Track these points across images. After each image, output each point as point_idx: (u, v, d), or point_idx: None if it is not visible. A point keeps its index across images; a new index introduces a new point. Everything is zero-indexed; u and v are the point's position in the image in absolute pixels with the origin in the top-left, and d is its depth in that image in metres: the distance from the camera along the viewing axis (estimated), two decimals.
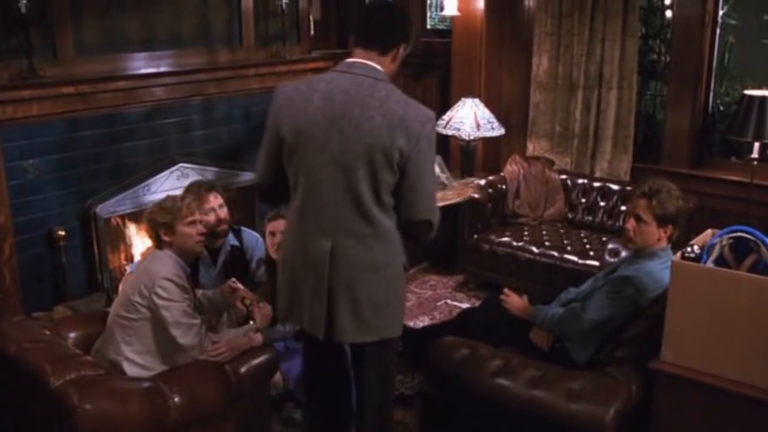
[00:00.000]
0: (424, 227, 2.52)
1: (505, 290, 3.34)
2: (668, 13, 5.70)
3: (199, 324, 2.93)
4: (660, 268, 2.97)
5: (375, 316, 2.52)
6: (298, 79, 2.58)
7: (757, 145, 4.42)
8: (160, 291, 2.87)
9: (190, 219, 3.04)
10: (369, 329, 2.54)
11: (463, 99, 5.48)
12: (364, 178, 2.39)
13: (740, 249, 2.53)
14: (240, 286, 3.29)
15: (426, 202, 2.49)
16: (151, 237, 3.08)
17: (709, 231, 2.73)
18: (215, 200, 3.69)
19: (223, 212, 3.74)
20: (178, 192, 3.85)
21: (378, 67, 2.47)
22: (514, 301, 3.29)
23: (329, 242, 2.45)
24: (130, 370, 2.91)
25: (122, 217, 4.36)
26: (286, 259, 2.59)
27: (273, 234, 3.55)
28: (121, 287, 3.05)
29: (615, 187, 5.11)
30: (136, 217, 4.36)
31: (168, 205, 3.02)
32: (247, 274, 3.83)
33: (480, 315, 3.53)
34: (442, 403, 2.96)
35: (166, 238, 2.99)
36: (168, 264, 2.96)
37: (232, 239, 3.87)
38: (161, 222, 2.98)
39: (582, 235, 5.02)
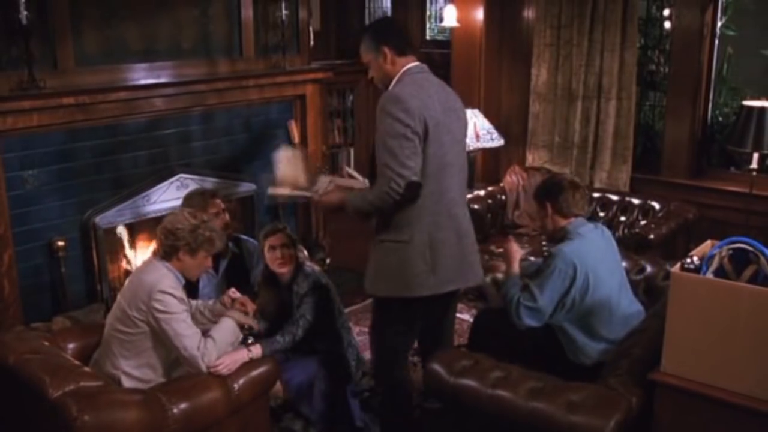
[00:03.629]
0: None
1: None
2: (667, 24, 5.73)
3: (199, 334, 2.92)
4: (577, 245, 3.15)
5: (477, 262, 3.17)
6: (403, 86, 2.93)
7: (756, 155, 4.43)
8: (157, 305, 2.84)
9: (211, 252, 3.06)
10: (479, 273, 3.19)
11: None
12: (464, 148, 3.14)
13: (740, 260, 2.53)
14: (239, 295, 3.28)
15: None
16: (165, 247, 2.98)
17: (708, 242, 2.73)
18: (219, 205, 3.75)
19: (227, 216, 3.79)
20: (178, 202, 3.86)
21: None
22: (513, 246, 3.39)
23: (461, 202, 3.08)
24: (128, 384, 2.90)
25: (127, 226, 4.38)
26: (438, 237, 2.95)
27: (274, 248, 3.55)
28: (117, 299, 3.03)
29: (614, 197, 5.11)
30: (136, 227, 4.39)
31: (205, 235, 2.98)
32: (247, 282, 3.84)
33: (494, 322, 3.52)
34: (442, 414, 2.95)
35: (182, 258, 2.96)
36: (164, 275, 2.92)
37: (232, 247, 3.88)
38: (189, 243, 2.94)
39: None
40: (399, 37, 3.00)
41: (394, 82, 2.95)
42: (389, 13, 7.49)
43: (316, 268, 3.73)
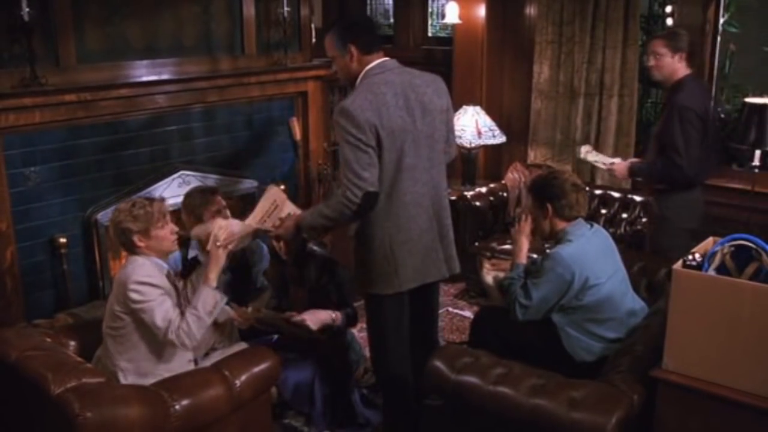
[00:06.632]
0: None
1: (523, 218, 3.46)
2: (669, 21, 5.71)
3: (175, 317, 2.89)
4: (575, 247, 3.14)
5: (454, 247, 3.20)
6: (355, 97, 2.90)
7: (758, 152, 4.42)
8: (133, 295, 2.85)
9: (163, 221, 3.01)
10: (456, 260, 3.21)
11: (464, 107, 5.49)
12: (438, 139, 3.05)
13: (742, 257, 2.53)
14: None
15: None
16: (123, 245, 3.01)
17: (710, 239, 2.73)
18: (220, 202, 3.74)
19: (228, 213, 3.79)
20: (180, 199, 3.86)
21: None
22: (526, 230, 3.38)
23: (429, 198, 3.04)
24: (127, 378, 2.91)
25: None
26: (397, 240, 2.99)
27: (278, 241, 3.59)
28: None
29: (616, 194, 5.10)
30: None
31: (140, 213, 2.95)
32: (249, 280, 3.84)
33: (494, 319, 3.53)
34: (443, 411, 2.95)
35: (141, 244, 2.95)
36: (139, 266, 2.92)
37: None
38: (136, 230, 2.93)
39: None
40: (367, 36, 2.99)
41: (358, 81, 2.96)
42: (391, 10, 7.49)
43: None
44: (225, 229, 3.01)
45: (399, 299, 3.11)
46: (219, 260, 2.97)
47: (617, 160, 4.32)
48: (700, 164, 3.89)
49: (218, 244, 2.98)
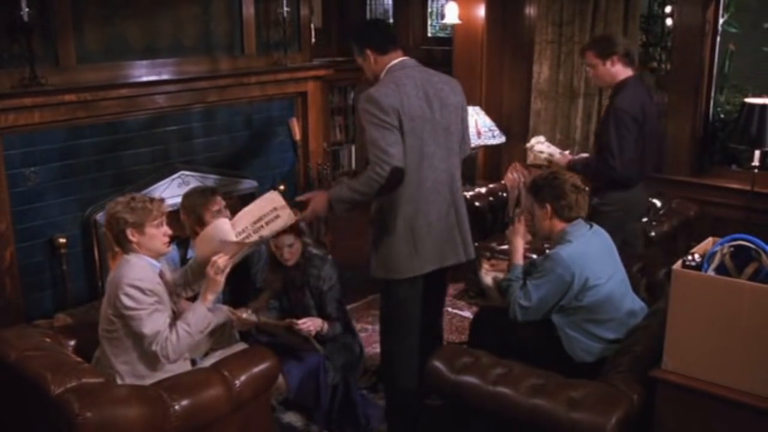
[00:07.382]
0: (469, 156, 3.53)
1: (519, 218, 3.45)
2: (668, 21, 5.72)
3: (164, 329, 2.86)
4: (575, 248, 3.13)
5: (469, 235, 3.33)
6: (379, 86, 3.09)
7: (757, 152, 4.43)
8: (125, 300, 2.80)
9: (160, 220, 2.98)
10: (472, 246, 3.34)
11: None
12: (453, 132, 3.19)
13: (741, 257, 2.53)
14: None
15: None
16: (114, 236, 2.96)
17: (710, 239, 2.73)
18: (220, 202, 3.74)
19: (228, 213, 3.78)
20: (179, 199, 3.87)
21: None
22: (520, 230, 3.38)
23: (447, 186, 3.17)
24: (125, 380, 2.89)
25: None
26: (418, 223, 3.11)
27: (277, 247, 3.56)
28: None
29: None
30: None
31: (138, 206, 2.92)
32: (248, 280, 3.84)
33: (494, 320, 3.53)
34: (443, 411, 2.95)
35: (133, 239, 2.90)
36: (133, 267, 2.89)
37: None
38: (131, 221, 2.89)
39: None
40: (379, 38, 3.16)
41: (381, 77, 3.14)
42: (390, 10, 7.51)
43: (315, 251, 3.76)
44: (224, 256, 2.99)
45: (414, 288, 3.18)
46: (218, 285, 2.96)
47: (565, 153, 4.36)
48: (634, 165, 3.88)
49: (218, 270, 2.95)
